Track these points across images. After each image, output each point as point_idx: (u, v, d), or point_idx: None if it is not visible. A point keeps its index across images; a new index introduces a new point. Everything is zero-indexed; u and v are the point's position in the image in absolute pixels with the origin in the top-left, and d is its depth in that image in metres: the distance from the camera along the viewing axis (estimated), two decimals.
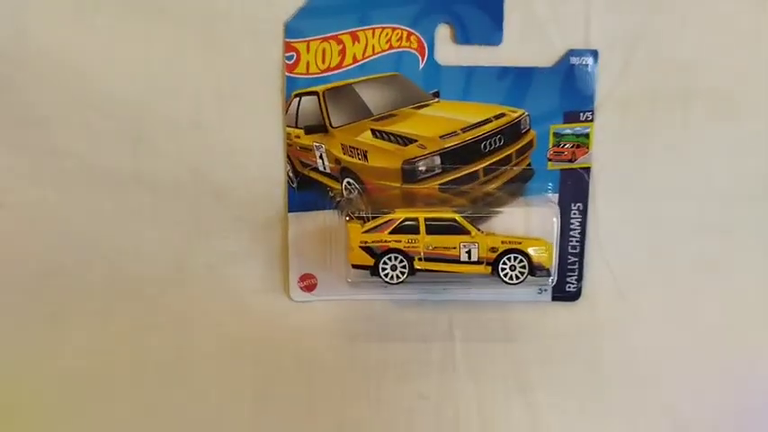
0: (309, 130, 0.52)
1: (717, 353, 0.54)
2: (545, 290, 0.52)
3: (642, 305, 0.55)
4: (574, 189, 0.53)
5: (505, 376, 0.54)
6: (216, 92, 0.51)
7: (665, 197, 0.53)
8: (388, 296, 0.54)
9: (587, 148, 0.52)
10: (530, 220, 0.52)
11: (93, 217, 0.52)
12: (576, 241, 0.53)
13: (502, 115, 0.52)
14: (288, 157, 0.52)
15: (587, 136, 0.52)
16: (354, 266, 0.48)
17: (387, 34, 0.51)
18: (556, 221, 0.50)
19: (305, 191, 0.53)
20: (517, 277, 0.48)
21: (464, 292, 0.53)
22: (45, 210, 0.52)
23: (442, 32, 0.51)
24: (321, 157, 0.52)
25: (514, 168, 0.52)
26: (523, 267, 0.48)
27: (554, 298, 0.54)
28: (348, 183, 0.53)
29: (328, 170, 0.53)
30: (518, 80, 0.51)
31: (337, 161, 0.52)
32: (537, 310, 0.54)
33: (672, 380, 0.54)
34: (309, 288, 0.54)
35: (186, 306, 0.54)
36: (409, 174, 0.51)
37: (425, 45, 0.51)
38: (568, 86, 0.51)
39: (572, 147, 0.52)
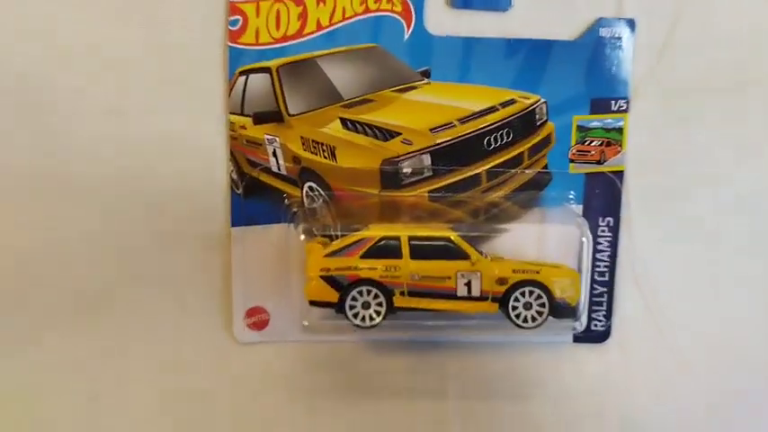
0: (259, 119, 0.41)
1: None
2: (572, 331, 0.40)
3: (688, 348, 0.43)
4: (602, 199, 0.42)
5: None
6: (139, 70, 0.40)
7: (717, 209, 0.43)
8: (361, 338, 0.41)
9: (620, 145, 0.41)
10: (548, 240, 0.40)
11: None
12: (605, 266, 0.42)
13: (511, 102, 0.41)
14: (231, 153, 0.41)
15: (620, 131, 0.41)
16: (313, 303, 0.35)
17: None
18: (586, 242, 0.38)
19: (253, 198, 0.41)
20: (533, 318, 0.36)
21: (461, 333, 0.41)
22: None
23: None
24: (275, 154, 0.41)
25: (526, 171, 0.41)
26: (542, 305, 0.36)
27: (576, 339, 0.43)
28: (310, 188, 0.41)
29: (284, 171, 0.41)
30: (532, 56, 0.41)
31: (296, 160, 0.40)
32: (554, 355, 0.43)
33: None
34: (259, 325, 0.42)
35: (100, 343, 0.42)
36: (391, 177, 0.40)
37: (413, 8, 0.40)
38: (597, 66, 0.41)
39: (601, 144, 0.41)
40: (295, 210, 0.40)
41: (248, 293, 0.42)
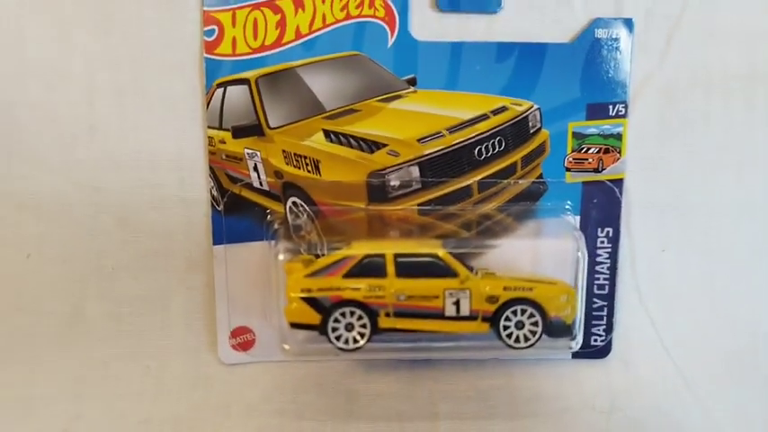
0: (239, 133, 0.39)
1: None
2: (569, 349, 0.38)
3: (693, 363, 0.41)
4: (601, 209, 0.40)
5: None
6: (112, 83, 0.38)
7: (721, 217, 0.41)
8: (349, 357, 0.40)
9: (619, 152, 0.39)
10: (544, 255, 0.38)
11: None
12: (605, 279, 0.40)
13: (503, 109, 0.39)
14: (211, 169, 0.39)
15: (619, 137, 0.39)
16: (294, 326, 0.34)
17: None
18: (582, 257, 0.36)
19: (235, 215, 0.40)
20: (526, 338, 0.34)
21: (451, 351, 0.39)
22: None
23: None
24: (256, 168, 0.39)
25: (520, 182, 0.39)
26: (535, 324, 0.34)
27: (575, 355, 0.41)
28: (294, 204, 0.39)
29: (266, 186, 0.39)
30: (524, 61, 0.39)
31: (278, 174, 0.39)
32: (552, 372, 0.41)
33: None
34: (245, 346, 0.41)
35: (80, 370, 0.40)
36: (377, 190, 0.38)
37: (396, 13, 0.38)
38: (593, 69, 0.39)
39: (598, 151, 0.39)
40: (277, 227, 0.39)
41: (233, 313, 0.40)
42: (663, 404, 0.41)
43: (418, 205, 0.39)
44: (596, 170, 0.39)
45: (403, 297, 0.34)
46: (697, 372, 0.41)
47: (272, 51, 0.38)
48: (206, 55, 0.38)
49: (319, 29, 0.38)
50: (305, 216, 0.39)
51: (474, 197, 0.39)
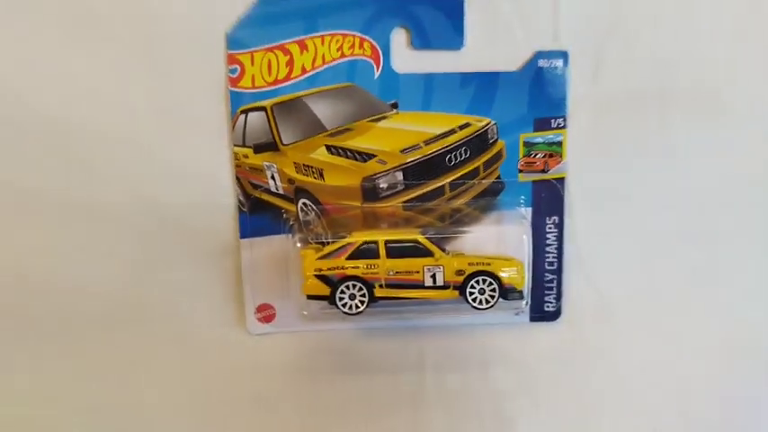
0: (259, 149, 0.48)
1: (708, 371, 0.51)
2: (522, 311, 0.48)
3: (628, 322, 0.51)
4: (548, 201, 0.49)
5: (482, 410, 0.50)
6: (155, 110, 0.47)
7: (645, 205, 0.50)
8: (354, 325, 0.49)
9: (560, 156, 0.49)
10: (501, 238, 0.48)
11: (21, 251, 0.48)
12: (554, 257, 0.50)
13: (467, 125, 0.48)
14: (237, 178, 0.48)
15: (560, 144, 0.49)
16: (310, 297, 0.44)
17: (338, 41, 0.47)
18: (527, 239, 0.46)
19: (257, 214, 0.49)
20: (487, 301, 0.44)
21: (435, 318, 0.49)
22: None
23: (398, 37, 0.47)
24: (273, 177, 0.48)
25: (483, 182, 0.49)
26: (493, 291, 0.44)
27: (532, 319, 0.51)
28: (304, 204, 0.49)
29: (281, 191, 0.49)
30: (482, 86, 0.48)
31: (290, 181, 0.48)
32: (514, 333, 0.51)
33: (663, 403, 0.50)
34: (267, 319, 0.50)
35: (133, 345, 0.49)
36: (370, 192, 0.47)
37: (380, 52, 0.47)
38: (537, 91, 0.48)
39: (544, 156, 0.49)
40: (292, 223, 0.48)
41: (257, 293, 0.49)
42: (605, 354, 0.51)
43: (403, 203, 0.48)
44: (543, 171, 0.49)
45: (392, 272, 0.44)
46: (627, 326, 0.51)
47: (284, 84, 0.47)
48: (231, 88, 0.47)
49: (320, 66, 0.47)
50: (313, 214, 0.49)
51: (446, 195, 0.49)
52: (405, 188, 0.48)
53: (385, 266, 0.43)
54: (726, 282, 0.51)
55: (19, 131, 0.46)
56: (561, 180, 0.49)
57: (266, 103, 0.47)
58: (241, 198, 0.49)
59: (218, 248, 0.49)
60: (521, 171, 0.49)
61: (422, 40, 0.47)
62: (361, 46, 0.47)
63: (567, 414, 0.50)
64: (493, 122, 0.48)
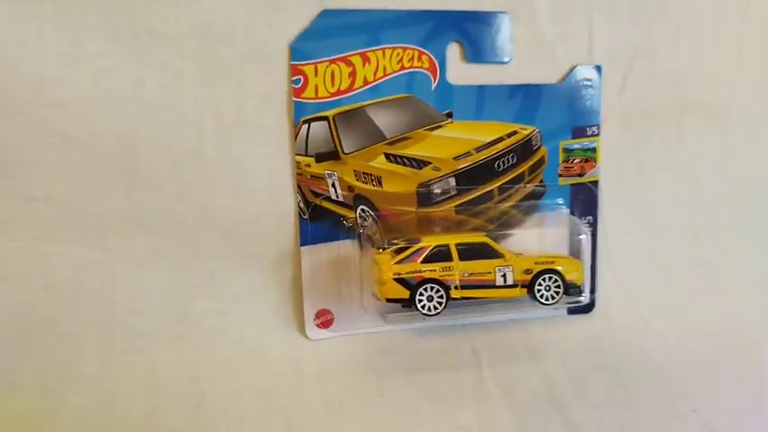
0: (320, 158, 0.49)
1: (723, 350, 0.57)
2: (581, 303, 0.51)
3: (648, 310, 0.56)
4: (584, 203, 0.54)
5: (539, 397, 0.53)
6: (218, 121, 0.47)
7: (662, 205, 0.55)
8: (407, 326, 0.51)
9: (595, 161, 0.53)
10: (545, 238, 0.52)
11: (79, 268, 0.46)
12: (589, 253, 0.54)
13: (514, 133, 0.52)
14: (298, 187, 0.49)
15: (594, 150, 0.53)
16: (388, 300, 0.46)
17: (398, 54, 0.49)
18: (585, 238, 0.50)
19: (317, 222, 0.50)
20: (553, 297, 0.47)
21: (482, 315, 0.52)
22: (22, 262, 0.45)
23: (453, 51, 0.50)
24: (333, 185, 0.50)
25: (528, 186, 0.52)
26: (558, 287, 0.47)
27: (570, 311, 0.55)
28: (362, 210, 0.50)
29: (341, 198, 0.50)
30: (527, 97, 0.52)
31: (350, 188, 0.50)
32: (555, 325, 0.55)
33: (692, 381, 0.56)
34: (326, 324, 0.51)
35: (194, 356, 0.49)
36: (424, 197, 0.50)
37: (437, 65, 0.50)
38: (575, 102, 0.52)
39: (581, 161, 0.53)
40: (349, 225, 0.49)
41: (315, 299, 0.50)
42: (633, 341, 0.56)
43: (455, 207, 0.51)
44: (580, 175, 0.54)
45: (467, 274, 0.46)
46: (655, 316, 0.56)
47: (346, 95, 0.49)
48: (294, 99, 0.48)
49: (381, 77, 0.49)
50: (370, 219, 0.51)
51: (495, 199, 0.52)
52: (457, 193, 0.50)
53: (459, 268, 0.46)
54: (730, 268, 0.57)
55: (82, 147, 0.45)
56: (595, 183, 0.54)
57: (328, 113, 0.48)
58: (302, 206, 0.50)
59: (278, 256, 0.50)
60: (560, 175, 0.53)
61: (474, 54, 0.50)
62: (419, 59, 0.49)
63: (611, 395, 0.55)
64: (537, 130, 0.52)
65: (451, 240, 0.47)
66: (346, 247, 0.50)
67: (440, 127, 0.51)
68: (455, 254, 0.46)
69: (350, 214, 0.50)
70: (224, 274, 0.49)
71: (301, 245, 0.50)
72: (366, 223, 0.50)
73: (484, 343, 0.53)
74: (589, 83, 0.52)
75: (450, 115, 0.51)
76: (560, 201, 0.53)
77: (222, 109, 0.47)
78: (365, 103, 0.49)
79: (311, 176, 0.49)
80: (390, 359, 0.51)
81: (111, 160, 0.46)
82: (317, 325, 0.51)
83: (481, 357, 0.53)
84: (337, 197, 0.50)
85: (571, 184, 0.53)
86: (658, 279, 0.56)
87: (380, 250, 0.46)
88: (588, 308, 0.55)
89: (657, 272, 0.56)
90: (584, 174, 0.53)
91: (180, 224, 0.48)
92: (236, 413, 0.49)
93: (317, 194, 0.50)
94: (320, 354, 0.51)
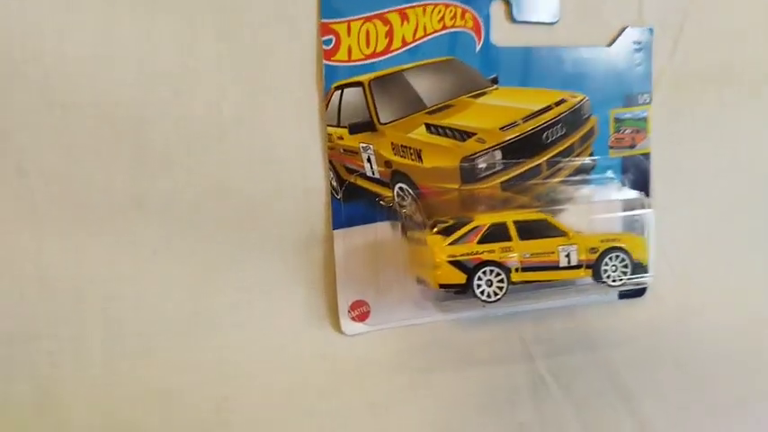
0: (355, 129, 0.44)
1: None
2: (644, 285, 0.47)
3: (702, 291, 0.52)
4: (635, 177, 0.50)
5: (602, 388, 0.49)
6: (239, 88, 0.41)
7: (716, 178, 0.52)
8: (449, 316, 0.46)
9: (646, 132, 0.49)
10: (595, 215, 0.47)
11: (80, 257, 0.40)
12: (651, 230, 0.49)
13: (562, 101, 0.47)
14: (330, 162, 0.43)
15: (645, 120, 0.49)
16: (442, 286, 0.40)
17: (440, 12, 0.44)
18: (651, 214, 0.45)
19: (352, 202, 0.44)
20: (620, 278, 0.43)
21: (527, 303, 0.46)
22: (16, 251, 0.38)
23: (497, 9, 0.45)
24: (369, 160, 0.44)
25: (577, 160, 0.48)
26: (625, 267, 0.43)
27: (621, 296, 0.50)
28: (400, 188, 0.45)
29: (377, 175, 0.45)
30: (576, 62, 0.48)
31: (388, 164, 0.44)
32: (606, 311, 0.50)
33: (754, 361, 0.52)
34: (362, 317, 0.46)
35: (213, 356, 0.43)
36: (468, 173, 0.45)
37: (481, 24, 0.45)
38: (626, 66, 0.48)
39: (632, 132, 0.49)
40: (398, 210, 0.44)
41: (350, 289, 0.45)
42: (687, 324, 0.52)
43: (501, 183, 0.46)
44: (631, 147, 0.49)
45: (528, 255, 0.41)
46: (709, 296, 0.52)
47: (382, 57, 0.44)
48: (325, 61, 0.43)
49: (421, 38, 0.44)
50: (409, 198, 0.45)
51: (543, 173, 0.47)
52: (503, 168, 0.46)
53: (519, 249, 0.41)
54: None
55: (81, 114, 0.38)
56: (647, 155, 0.49)
57: (363, 78, 0.43)
58: (334, 184, 0.44)
59: (308, 240, 0.44)
60: (611, 147, 0.49)
61: (519, 12, 0.46)
62: (462, 17, 0.44)
63: (675, 381, 0.50)
64: (586, 98, 0.48)
65: (508, 218, 0.42)
66: (384, 229, 0.45)
67: (484, 94, 0.46)
68: (514, 232, 0.41)
69: (387, 193, 0.45)
70: (246, 261, 0.43)
71: (334, 228, 0.44)
72: (405, 203, 0.45)
73: (532, 333, 0.48)
74: (639, 46, 0.48)
75: (495, 81, 0.46)
76: (611, 174, 0.49)
77: (244, 74, 0.41)
78: (404, 66, 0.44)
79: (344, 150, 0.44)
80: (434, 353, 0.46)
81: (116, 131, 0.40)
82: (353, 318, 0.45)
83: (531, 349, 0.48)
84: (373, 174, 0.45)
85: (622, 157, 0.49)
86: (711, 258, 0.52)
87: (431, 230, 0.41)
88: (640, 291, 0.51)
89: (710, 250, 0.52)
90: (636, 146, 0.49)
91: (195, 205, 0.42)
92: (263, 419, 0.43)
93: (350, 171, 0.44)
94: (356, 350, 0.45)
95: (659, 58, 0.49)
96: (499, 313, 0.48)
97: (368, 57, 0.43)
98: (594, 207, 0.47)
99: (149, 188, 0.41)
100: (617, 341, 0.49)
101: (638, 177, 0.50)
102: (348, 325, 0.45)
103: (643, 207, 0.45)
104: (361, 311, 0.46)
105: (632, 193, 0.47)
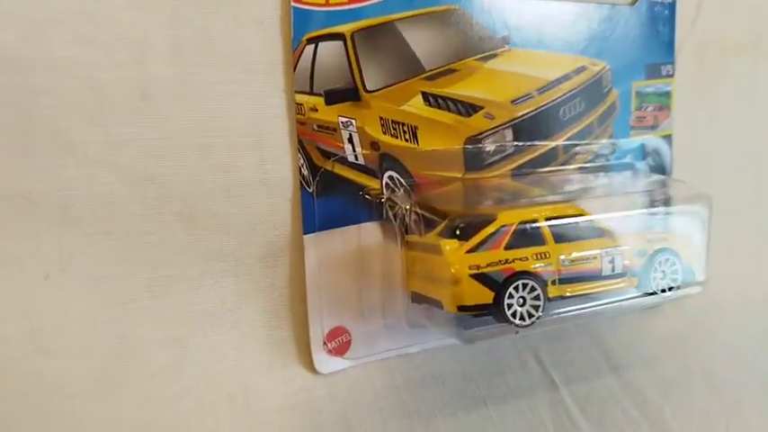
0: (332, 98, 0.33)
1: None
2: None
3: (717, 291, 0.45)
4: (655, 160, 0.42)
5: (629, 412, 0.40)
6: (171, 38, 0.30)
7: (751, 169, 0.46)
8: (446, 341, 0.36)
9: (669, 110, 0.41)
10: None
11: None
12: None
13: (582, 69, 0.39)
14: (300, 143, 0.32)
15: (668, 95, 0.41)
16: (463, 309, 0.30)
17: None
18: (708, 213, 0.37)
19: (328, 197, 0.33)
20: (670, 286, 0.34)
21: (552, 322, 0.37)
22: None
23: None
24: (350, 139, 0.33)
25: (596, 143, 0.39)
26: (675, 272, 0.34)
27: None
28: (390, 178, 0.34)
29: (361, 160, 0.34)
30: (597, 21, 0.39)
31: (374, 145, 0.34)
32: (625, 324, 0.43)
33: None
34: (341, 349, 0.35)
35: (138, 414, 0.30)
36: (474, 157, 0.36)
37: None
38: (649, 31, 0.41)
39: (654, 109, 0.41)
40: (391, 206, 0.34)
41: (325, 313, 0.34)
42: (713, 332, 0.45)
43: (511, 170, 0.37)
44: (653, 127, 0.41)
45: (567, 262, 0.32)
46: (733, 305, 0.45)
47: (369, 2, 0.33)
48: (293, 4, 0.31)
49: None
50: (401, 190, 0.35)
51: (559, 159, 0.39)
52: (514, 151, 0.37)
53: (557, 254, 0.31)
54: None
55: None
56: (668, 138, 0.42)
57: (345, 28, 0.32)
58: (305, 172, 0.32)
59: (270, 249, 0.33)
60: (632, 127, 0.41)
61: None
62: None
63: (714, 406, 0.43)
64: (608, 67, 0.40)
65: (539, 214, 0.32)
66: (370, 232, 0.34)
67: (494, 56, 0.36)
68: (548, 233, 0.32)
69: (374, 184, 0.34)
70: (181, 283, 0.31)
71: (304, 232, 0.33)
72: (396, 195, 0.34)
73: (549, 353, 0.39)
74: (663, 8, 0.40)
75: (505, 40, 0.36)
76: (631, 158, 0.41)
77: (177, 20, 0.29)
78: (396, 15, 0.34)
79: (318, 127, 0.33)
80: (437, 391, 0.36)
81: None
82: (329, 351, 0.34)
83: (552, 373, 0.39)
84: (356, 158, 0.34)
85: (644, 139, 0.41)
86: (740, 259, 0.46)
87: (445, 232, 0.30)
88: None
89: (737, 249, 0.46)
90: (658, 126, 0.41)
91: (108, 205, 0.30)
92: None
93: (326, 154, 0.33)
94: (335, 393, 0.34)
95: (682, 25, 0.41)
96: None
97: (351, 1, 0.32)
98: (629, 199, 0.38)
99: (42, 184, 0.28)
100: (643, 359, 0.41)
101: (658, 161, 0.42)
102: (323, 361, 0.34)
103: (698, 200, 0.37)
104: (339, 342, 0.35)
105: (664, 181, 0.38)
